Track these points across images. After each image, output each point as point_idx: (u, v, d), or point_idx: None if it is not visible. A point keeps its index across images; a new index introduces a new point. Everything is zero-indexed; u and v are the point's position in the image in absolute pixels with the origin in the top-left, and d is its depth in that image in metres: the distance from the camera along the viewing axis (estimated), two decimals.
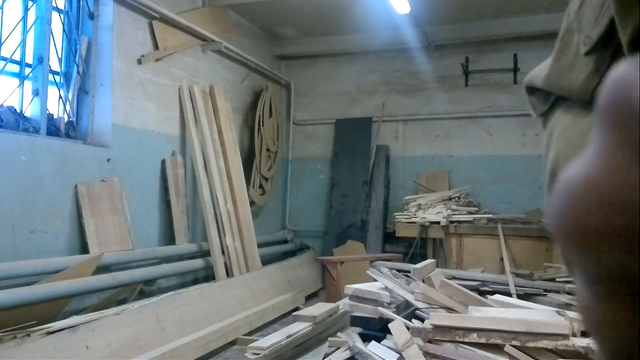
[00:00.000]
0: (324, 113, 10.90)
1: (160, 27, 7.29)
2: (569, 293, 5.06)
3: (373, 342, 3.97)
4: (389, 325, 3.81)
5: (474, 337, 3.36)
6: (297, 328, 4.60)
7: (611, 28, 0.64)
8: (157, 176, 7.22)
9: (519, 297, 5.00)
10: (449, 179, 9.91)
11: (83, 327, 4.46)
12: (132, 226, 6.45)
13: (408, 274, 5.01)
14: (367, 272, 5.26)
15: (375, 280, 4.98)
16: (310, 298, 8.92)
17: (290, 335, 4.33)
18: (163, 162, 7.29)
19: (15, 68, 5.87)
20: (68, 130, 6.31)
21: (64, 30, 6.39)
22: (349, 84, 10.79)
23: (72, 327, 4.42)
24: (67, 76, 6.46)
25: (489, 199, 9.43)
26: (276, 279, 8.34)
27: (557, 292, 5.17)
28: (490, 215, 8.15)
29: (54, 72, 6.24)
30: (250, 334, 6.61)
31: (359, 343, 4.01)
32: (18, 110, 5.79)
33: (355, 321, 4.46)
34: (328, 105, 10.89)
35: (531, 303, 4.29)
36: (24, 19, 5.88)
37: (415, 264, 5.14)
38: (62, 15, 6.33)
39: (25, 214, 5.39)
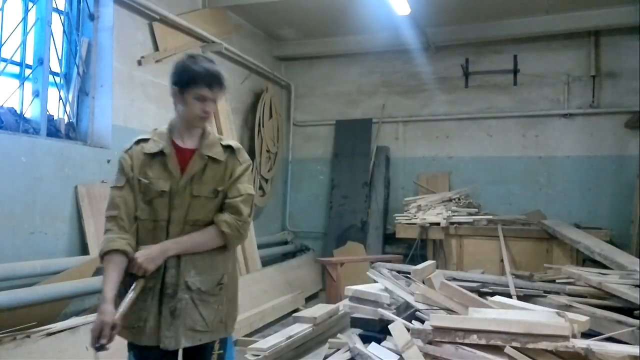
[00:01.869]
0: (324, 114, 10.90)
1: (160, 28, 7.29)
2: (569, 294, 5.06)
3: (373, 343, 3.96)
4: (389, 326, 3.80)
5: (474, 339, 3.36)
6: (297, 329, 4.59)
7: None
8: None
9: (519, 298, 4.98)
10: (449, 180, 9.91)
11: (83, 328, 4.45)
12: None
13: (408, 276, 5.01)
14: (367, 273, 5.25)
15: (375, 281, 4.98)
16: (310, 299, 8.93)
17: (290, 337, 4.31)
18: None
19: (16, 69, 5.87)
20: (68, 132, 6.31)
21: (64, 31, 6.39)
22: (349, 85, 10.80)
23: (72, 328, 4.42)
24: (67, 77, 6.45)
25: (489, 200, 9.43)
26: (276, 280, 8.34)
27: (557, 293, 5.17)
28: (491, 217, 8.14)
29: (54, 74, 6.23)
30: (250, 335, 6.61)
31: (359, 344, 4.00)
32: (18, 112, 5.79)
33: (356, 322, 4.46)
34: (328, 106, 10.89)
35: (531, 304, 4.28)
36: (24, 20, 5.88)
37: (415, 265, 5.14)
38: (62, 17, 6.33)
39: (25, 215, 5.39)
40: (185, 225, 2.80)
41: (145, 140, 2.88)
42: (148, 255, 2.68)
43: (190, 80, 2.72)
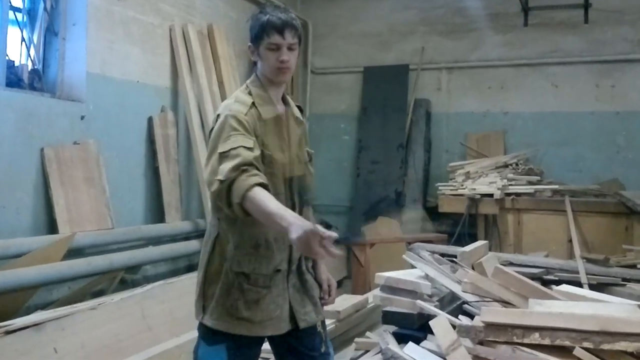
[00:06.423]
0: (349, 59, 10.84)
1: None
2: None
3: (410, 343, 3.93)
4: (430, 322, 3.76)
5: (535, 338, 3.31)
6: None
7: None
8: (142, 138, 7.19)
9: (592, 287, 4.95)
10: (505, 141, 9.83)
11: (50, 325, 4.45)
12: (112, 200, 6.43)
13: (454, 260, 4.97)
14: (403, 256, 5.21)
15: (413, 267, 4.93)
16: None
17: None
18: (150, 120, 7.26)
19: None
20: (32, 81, 6.28)
21: None
22: (379, 24, 10.70)
23: (37, 324, 4.41)
24: (31, 14, 6.41)
25: (554, 166, 9.35)
26: None
27: (639, 281, 5.12)
28: (556, 187, 8.10)
29: (15, 9, 6.19)
30: None
31: (393, 345, 3.97)
32: None
33: (388, 318, 4.42)
34: (354, 49, 10.82)
35: (607, 295, 4.23)
36: None
37: (462, 246, 5.10)
38: None
39: None
40: (308, 194, 3.20)
41: (253, 104, 3.01)
42: None
43: (261, 31, 3.01)
